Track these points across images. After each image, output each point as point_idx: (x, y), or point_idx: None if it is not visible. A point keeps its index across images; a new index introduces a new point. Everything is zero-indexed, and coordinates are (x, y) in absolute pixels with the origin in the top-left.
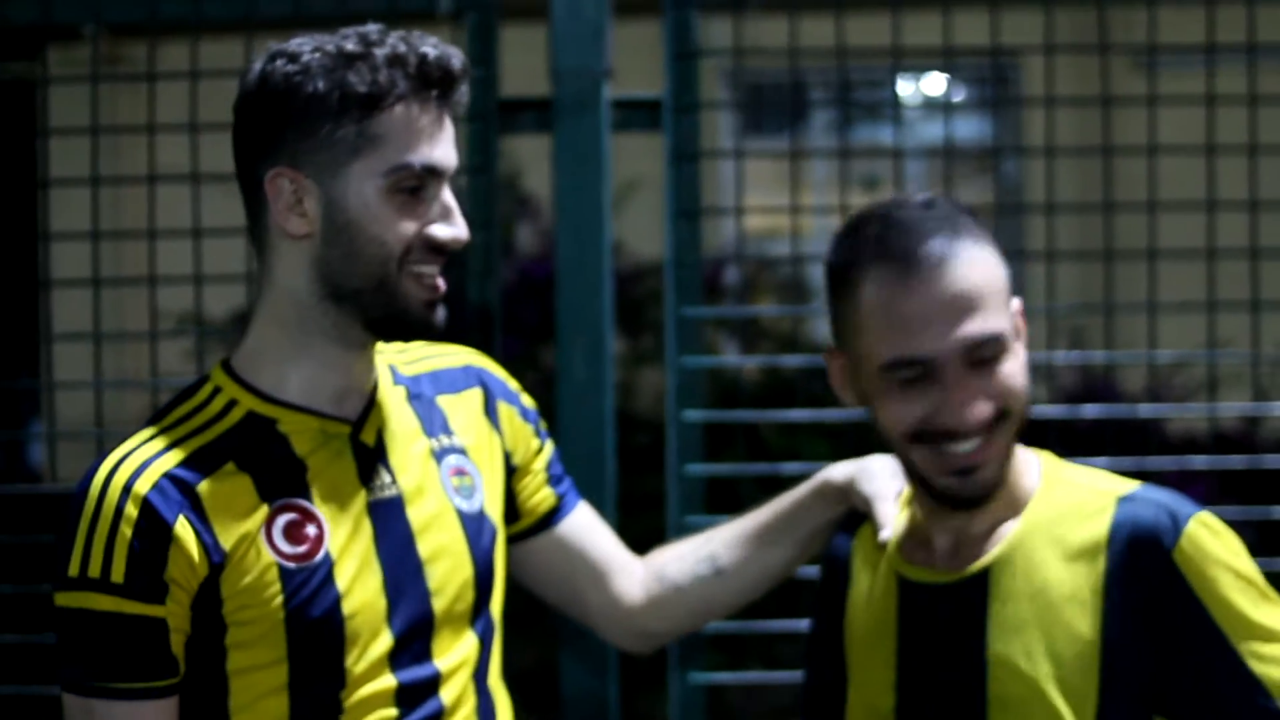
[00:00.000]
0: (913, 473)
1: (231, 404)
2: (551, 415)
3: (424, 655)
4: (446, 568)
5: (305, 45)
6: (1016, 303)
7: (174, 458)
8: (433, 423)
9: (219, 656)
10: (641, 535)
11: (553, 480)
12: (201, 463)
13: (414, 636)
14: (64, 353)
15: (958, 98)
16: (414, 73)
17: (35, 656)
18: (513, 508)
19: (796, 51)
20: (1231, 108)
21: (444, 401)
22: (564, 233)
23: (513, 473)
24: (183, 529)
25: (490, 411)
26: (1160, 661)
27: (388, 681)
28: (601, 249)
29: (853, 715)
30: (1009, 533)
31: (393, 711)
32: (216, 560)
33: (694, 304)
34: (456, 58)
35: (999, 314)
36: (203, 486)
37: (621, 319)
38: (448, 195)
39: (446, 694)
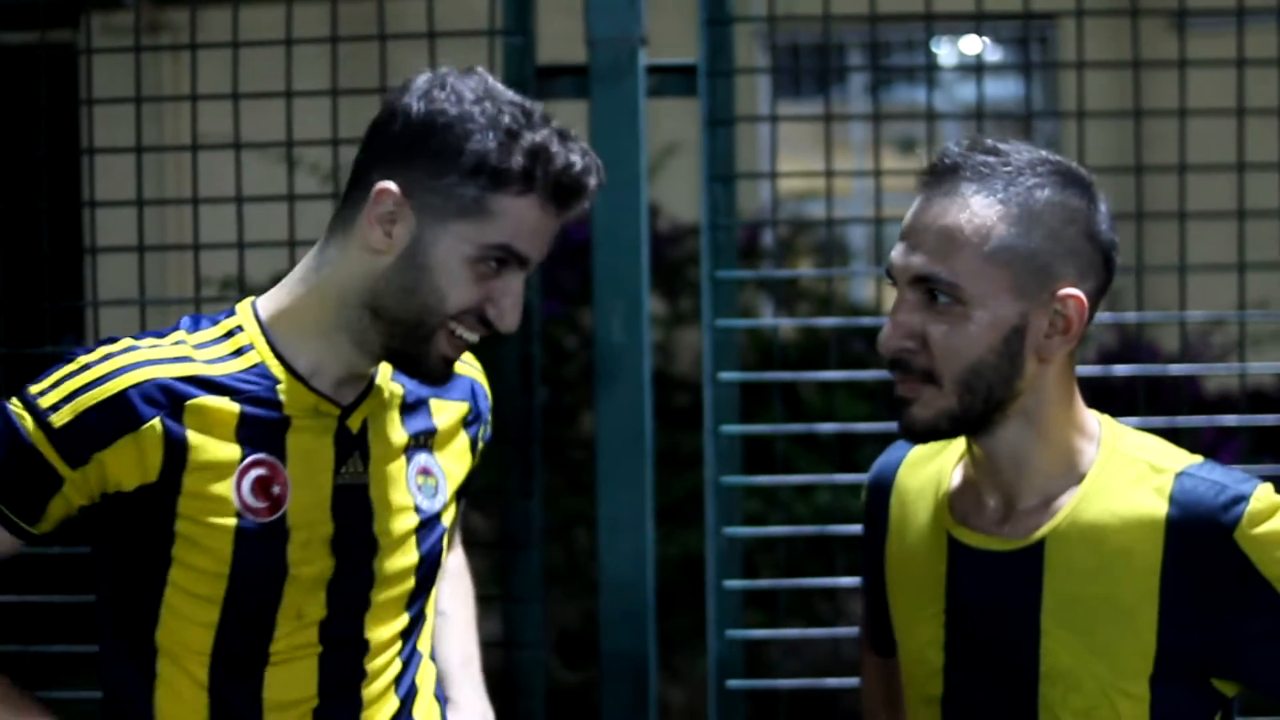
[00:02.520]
0: None
1: (247, 348)
2: (590, 377)
3: (356, 629)
4: (394, 558)
5: (474, 92)
6: (1070, 292)
7: (174, 370)
8: (416, 420)
9: (160, 570)
10: (680, 493)
11: (464, 488)
12: (200, 386)
13: (349, 612)
14: (108, 318)
15: (994, 59)
16: (551, 177)
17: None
18: None
19: (830, 16)
20: (1261, 69)
21: (434, 402)
22: (601, 198)
23: (465, 484)
24: (152, 430)
25: (470, 427)
26: (1227, 640)
27: (314, 646)
28: (638, 214)
29: (902, 661)
30: (1065, 503)
31: (313, 665)
32: (178, 467)
33: (729, 267)
34: (594, 175)
35: (966, 268)
36: (193, 403)
37: (660, 281)
38: (519, 283)
39: (371, 664)
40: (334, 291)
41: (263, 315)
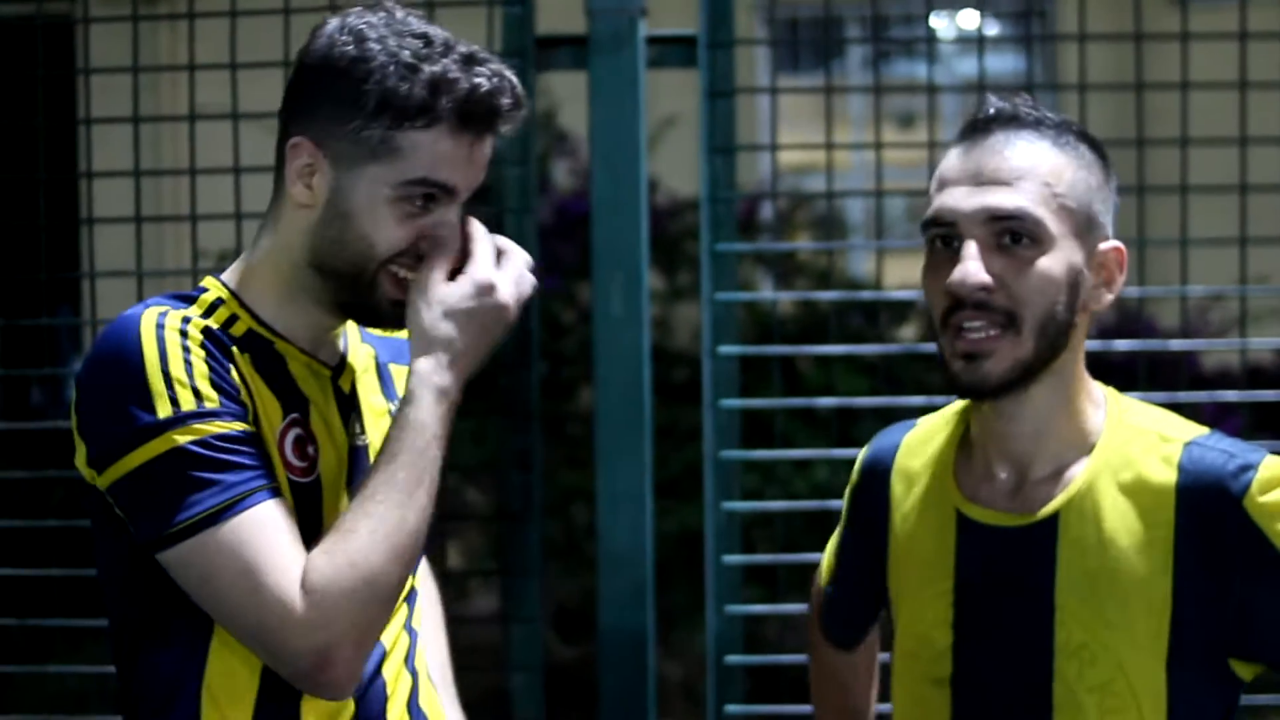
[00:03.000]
0: (945, 369)
1: (234, 318)
2: (588, 352)
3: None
4: None
5: (375, 30)
6: (1112, 244)
7: (217, 326)
8: (389, 386)
9: None
10: (679, 468)
11: None
12: (230, 344)
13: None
14: (105, 289)
15: (994, 33)
16: (456, 104)
17: (80, 589)
18: None
19: None
20: (1263, 43)
21: (394, 369)
22: (600, 170)
23: None
24: (237, 377)
25: None
26: (1238, 609)
27: None
28: (637, 186)
29: (902, 644)
30: (1076, 476)
31: None
32: (254, 419)
33: (729, 240)
34: (507, 95)
35: (1035, 203)
36: (238, 356)
37: (659, 255)
38: (452, 214)
39: (385, 637)
40: (284, 255)
41: (230, 284)
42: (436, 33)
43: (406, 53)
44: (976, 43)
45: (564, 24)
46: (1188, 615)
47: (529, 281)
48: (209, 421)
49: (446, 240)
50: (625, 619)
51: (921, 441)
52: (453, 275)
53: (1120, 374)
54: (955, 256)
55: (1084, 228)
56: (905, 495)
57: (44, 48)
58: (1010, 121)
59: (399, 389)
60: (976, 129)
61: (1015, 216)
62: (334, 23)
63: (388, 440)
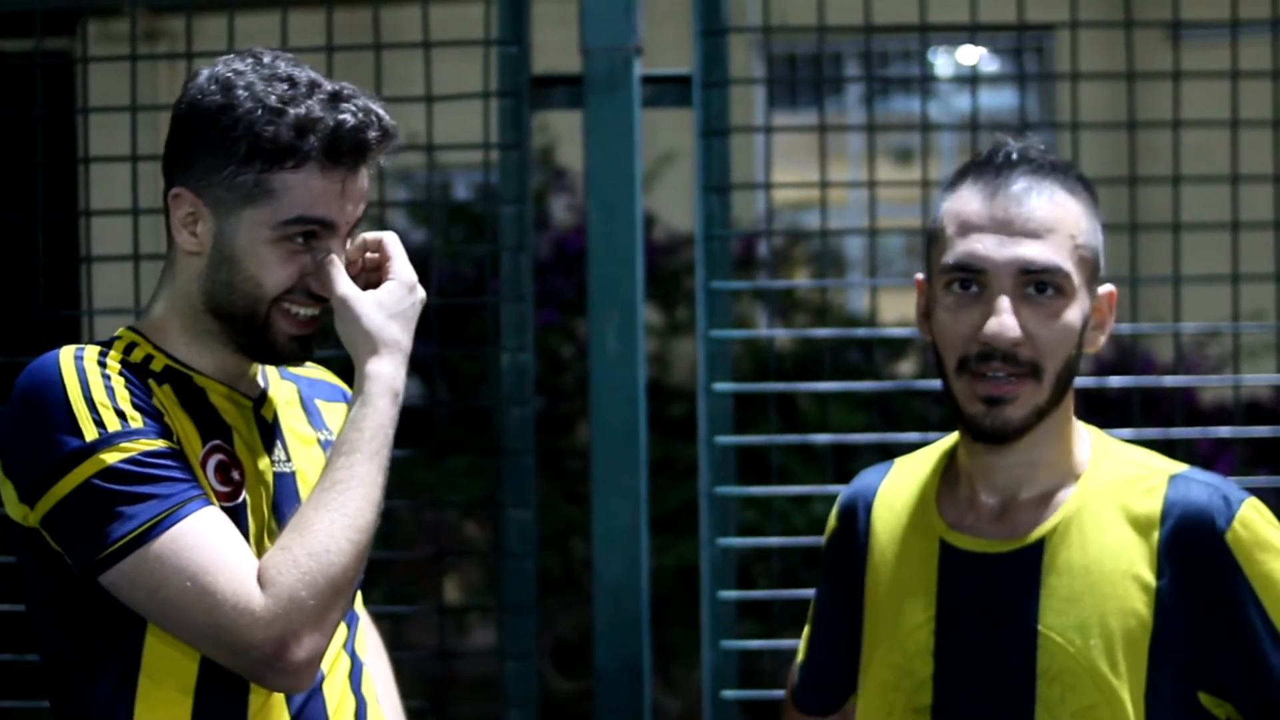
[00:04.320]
0: (956, 411)
1: (150, 357)
2: (585, 388)
3: None
4: None
5: (242, 77)
6: (1107, 288)
7: (132, 362)
8: (316, 418)
9: None
10: (675, 503)
11: None
12: (147, 376)
13: None
14: (104, 327)
15: (992, 69)
16: (322, 143)
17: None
18: None
19: (825, 27)
20: (1256, 81)
21: (320, 404)
22: (595, 209)
23: None
24: (158, 402)
25: None
26: (1209, 641)
27: None
28: (633, 224)
29: (875, 676)
30: (1063, 502)
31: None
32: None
33: (725, 277)
34: (374, 129)
35: (1064, 257)
36: (155, 388)
37: (655, 290)
38: (337, 245)
39: (324, 662)
40: (184, 301)
41: (144, 333)
42: (303, 74)
43: (272, 97)
44: (972, 79)
45: (560, 64)
46: (1165, 645)
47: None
48: (136, 440)
49: (330, 279)
50: (621, 654)
51: (901, 479)
52: (368, 286)
53: (1116, 409)
54: (978, 301)
55: (1094, 275)
56: (885, 531)
57: (44, 86)
58: (1030, 167)
59: (328, 421)
60: (997, 172)
61: (1048, 270)
62: (204, 73)
63: (341, 439)
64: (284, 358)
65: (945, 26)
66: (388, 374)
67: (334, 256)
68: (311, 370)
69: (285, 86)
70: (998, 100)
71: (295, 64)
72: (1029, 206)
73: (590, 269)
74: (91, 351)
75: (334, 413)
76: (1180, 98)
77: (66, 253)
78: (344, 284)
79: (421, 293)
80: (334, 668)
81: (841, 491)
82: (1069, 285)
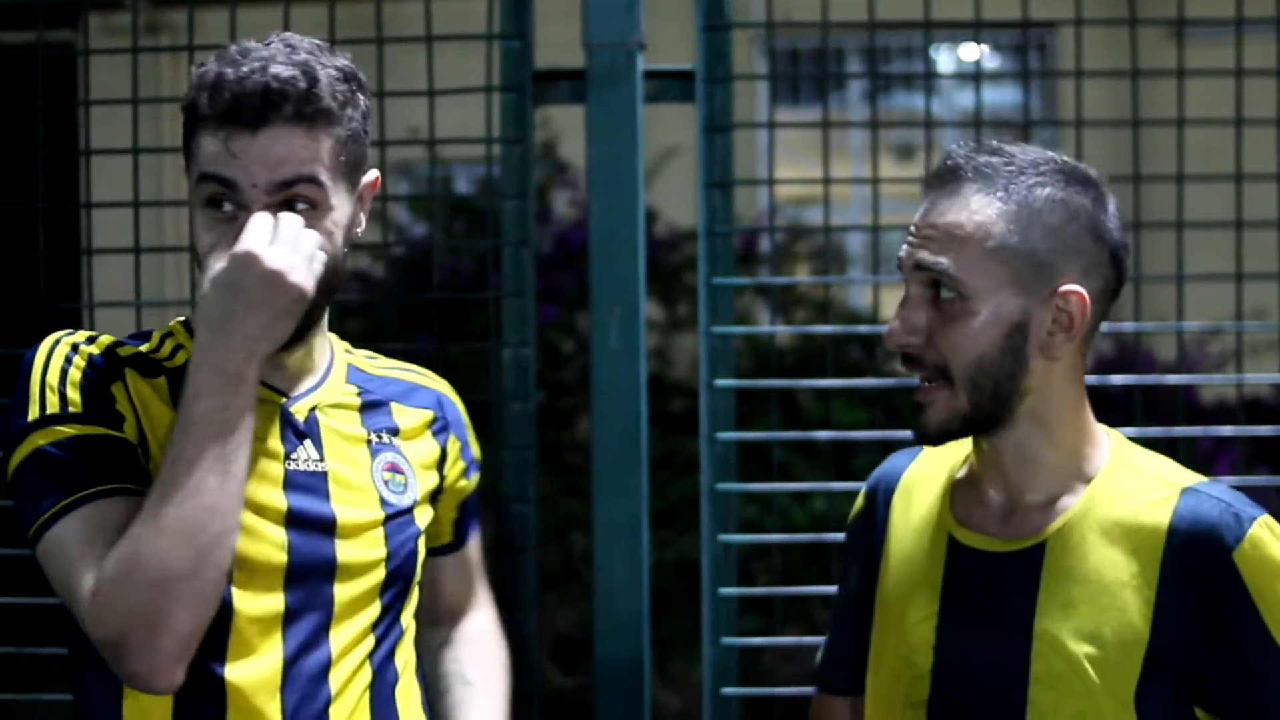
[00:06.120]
0: None
1: (178, 349)
2: (587, 383)
3: (320, 625)
4: (357, 545)
5: (209, 59)
6: (1073, 289)
7: (120, 350)
8: (377, 419)
9: None
10: (676, 499)
11: (457, 521)
12: (140, 366)
13: (311, 603)
14: (105, 319)
15: (993, 66)
16: (209, 102)
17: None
18: None
19: (828, 23)
20: (1261, 79)
21: (395, 406)
22: (597, 204)
23: (439, 496)
24: (120, 391)
25: (438, 435)
26: (1209, 658)
27: (276, 643)
28: (635, 220)
29: (881, 663)
30: (1069, 506)
31: (278, 661)
32: (138, 433)
33: (727, 273)
34: (260, 74)
35: (968, 263)
36: (136, 380)
37: (657, 286)
38: (245, 218)
39: (334, 673)
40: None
41: (191, 322)
42: (249, 44)
43: (209, 67)
44: (975, 76)
45: (562, 58)
46: (1161, 657)
47: (318, 259)
48: (68, 424)
49: (243, 240)
50: (622, 649)
51: (926, 467)
52: None
53: (1118, 407)
54: (900, 305)
55: (1027, 275)
56: (903, 518)
57: (45, 78)
58: (954, 174)
59: (398, 420)
60: (930, 181)
61: (934, 270)
62: None
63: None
64: None
65: (948, 23)
66: (198, 345)
67: (253, 219)
68: (403, 371)
69: (222, 55)
70: (1000, 97)
71: (296, 40)
72: (935, 213)
73: (592, 264)
74: (78, 337)
75: (410, 415)
76: (1184, 95)
77: (67, 245)
78: (222, 249)
79: (269, 264)
80: (349, 681)
81: (871, 474)
82: (965, 288)
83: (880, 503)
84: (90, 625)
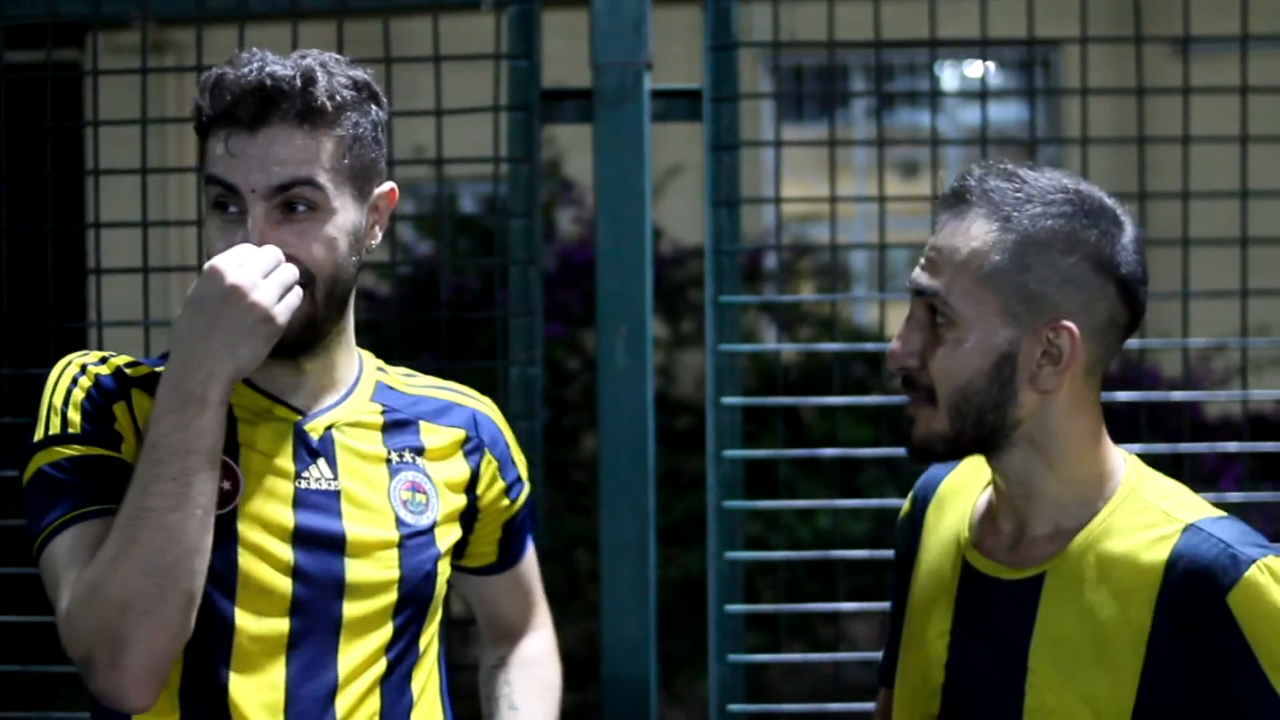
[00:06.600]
0: None
1: None
2: (592, 399)
3: (327, 643)
4: (367, 564)
5: (232, 59)
6: (1061, 324)
7: (131, 370)
8: (401, 438)
9: None
10: (682, 516)
11: (502, 541)
12: (149, 386)
13: (318, 622)
14: (112, 339)
15: (998, 84)
16: (209, 103)
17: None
18: (461, 548)
19: (834, 41)
20: (1265, 96)
21: (424, 425)
22: (604, 223)
23: (474, 516)
24: (122, 411)
25: (470, 456)
26: (1201, 699)
27: (279, 663)
28: (641, 239)
29: (906, 673)
30: (1070, 541)
31: (280, 681)
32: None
33: (733, 291)
34: (255, 73)
35: (960, 289)
36: (142, 399)
37: (663, 304)
38: (249, 219)
39: (342, 696)
40: None
41: None
42: (255, 51)
43: (211, 70)
44: (980, 94)
45: (569, 78)
46: (1153, 698)
47: (295, 292)
48: (67, 445)
49: (233, 242)
50: (628, 667)
51: (961, 478)
52: None
53: (1123, 423)
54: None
55: (1018, 307)
56: (934, 529)
57: (53, 98)
58: (961, 198)
59: (426, 446)
60: (941, 201)
61: (928, 294)
62: None
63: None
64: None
65: (953, 41)
66: (172, 371)
67: (237, 247)
68: (439, 390)
69: (238, 57)
70: (1005, 114)
71: (315, 53)
72: (940, 235)
73: (599, 282)
74: (90, 358)
75: (440, 435)
76: (1189, 112)
77: (75, 265)
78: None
79: (230, 279)
80: (357, 706)
81: (920, 477)
82: (954, 315)
83: (919, 509)
84: (64, 644)
